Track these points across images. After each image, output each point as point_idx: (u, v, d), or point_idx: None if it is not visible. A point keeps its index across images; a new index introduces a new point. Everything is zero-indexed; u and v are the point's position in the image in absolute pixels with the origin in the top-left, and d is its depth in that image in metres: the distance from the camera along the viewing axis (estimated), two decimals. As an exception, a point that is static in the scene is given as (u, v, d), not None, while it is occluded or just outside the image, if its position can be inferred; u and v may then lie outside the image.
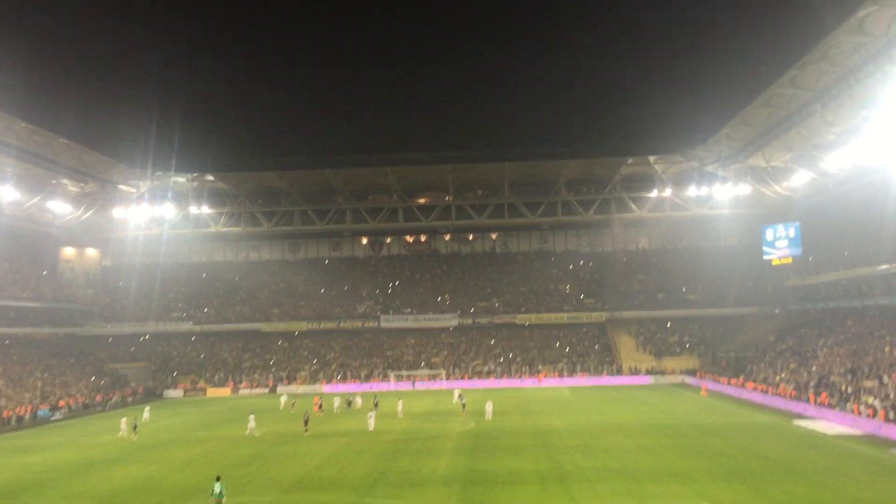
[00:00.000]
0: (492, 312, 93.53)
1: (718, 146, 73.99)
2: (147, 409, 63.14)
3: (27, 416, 62.35)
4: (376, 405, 58.32)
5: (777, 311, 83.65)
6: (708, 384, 73.16)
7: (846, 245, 71.29)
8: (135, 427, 50.62)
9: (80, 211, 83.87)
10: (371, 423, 49.45)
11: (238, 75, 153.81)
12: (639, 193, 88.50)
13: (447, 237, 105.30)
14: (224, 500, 26.78)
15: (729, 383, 69.85)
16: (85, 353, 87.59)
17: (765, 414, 52.78)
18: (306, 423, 49.42)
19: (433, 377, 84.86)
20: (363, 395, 68.92)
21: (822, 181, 69.91)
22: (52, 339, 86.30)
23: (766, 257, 78.41)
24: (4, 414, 61.03)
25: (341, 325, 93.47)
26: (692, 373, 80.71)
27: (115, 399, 76.25)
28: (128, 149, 77.90)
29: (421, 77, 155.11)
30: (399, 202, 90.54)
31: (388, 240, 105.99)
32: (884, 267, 61.50)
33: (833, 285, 71.73)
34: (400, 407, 56.80)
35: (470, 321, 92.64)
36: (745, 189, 79.36)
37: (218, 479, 27.35)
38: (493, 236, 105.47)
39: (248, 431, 48.91)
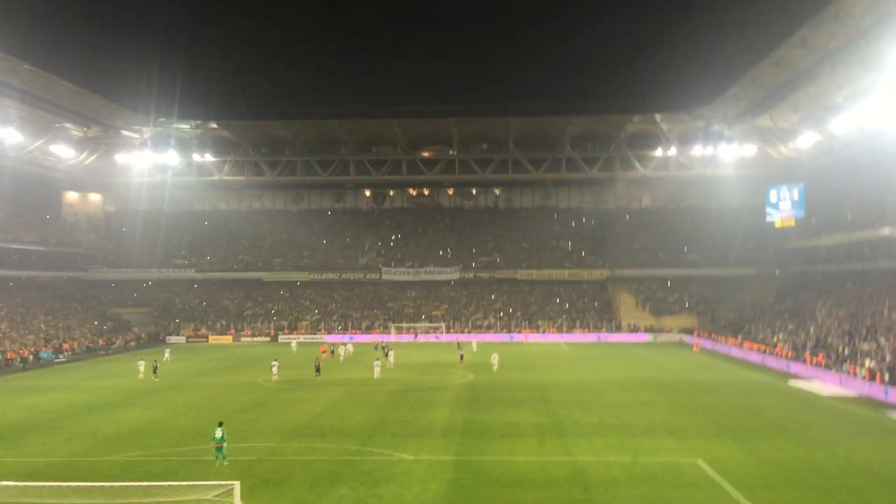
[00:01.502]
0: (493, 267, 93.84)
1: (725, 106, 73.43)
2: (168, 350, 65.50)
3: (31, 358, 63.04)
4: (387, 354, 59.13)
5: (777, 272, 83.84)
6: (706, 343, 73.96)
7: (850, 208, 71.14)
8: (155, 369, 51.78)
9: (84, 155, 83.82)
10: (377, 371, 50.82)
11: (243, 21, 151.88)
12: (643, 152, 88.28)
13: (450, 191, 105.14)
14: (225, 444, 27.17)
15: (727, 343, 70.41)
16: (88, 298, 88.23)
17: (761, 373, 53.33)
18: (318, 369, 50.89)
19: (434, 330, 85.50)
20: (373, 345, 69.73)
21: (829, 143, 69.63)
22: (55, 282, 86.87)
23: (768, 219, 78.18)
24: (9, 355, 61.74)
25: (343, 276, 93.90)
26: (690, 331, 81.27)
27: (118, 343, 77.06)
28: (131, 93, 77.35)
29: (428, 27, 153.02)
30: (403, 155, 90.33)
31: (392, 192, 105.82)
32: (886, 230, 61.36)
33: (835, 248, 71.77)
34: (391, 358, 57.27)
35: (471, 275, 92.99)
36: (750, 150, 79.03)
37: (220, 424, 27.69)
38: (497, 191, 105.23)
39: (273, 378, 49.71)
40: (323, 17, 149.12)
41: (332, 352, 64.43)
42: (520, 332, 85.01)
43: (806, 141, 71.35)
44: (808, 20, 51.88)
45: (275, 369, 50.48)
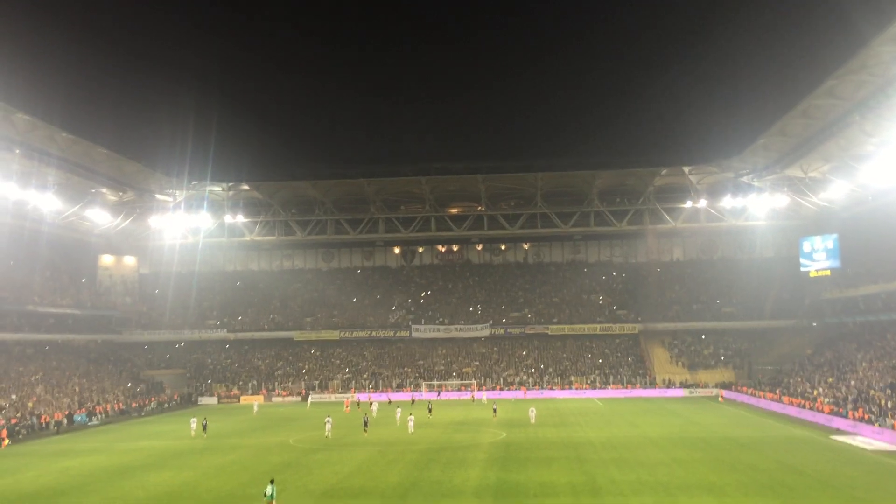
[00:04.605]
0: (524, 323, 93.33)
1: (754, 157, 73.16)
2: (256, 405, 72.94)
3: (65, 422, 63.35)
4: (430, 410, 63.71)
5: (815, 324, 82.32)
6: (744, 398, 72.61)
7: (886, 257, 70.09)
8: (204, 427, 53.74)
9: (119, 220, 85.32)
10: (410, 426, 52.36)
11: (273, 85, 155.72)
12: (673, 204, 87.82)
13: (479, 247, 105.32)
14: (275, 502, 27.97)
15: (766, 397, 68.88)
16: (122, 360, 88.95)
17: (801, 428, 51.92)
18: (366, 424, 52.92)
19: (464, 387, 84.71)
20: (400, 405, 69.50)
21: (861, 193, 68.89)
22: (90, 345, 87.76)
23: (803, 269, 77.41)
24: (43, 419, 62.11)
25: (373, 334, 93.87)
26: (727, 386, 79.74)
27: (151, 405, 77.24)
28: (165, 158, 79.18)
29: (455, 86, 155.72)
30: (431, 212, 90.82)
31: (421, 249, 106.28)
32: (925, 280, 60.36)
33: (872, 298, 70.50)
34: (398, 415, 57.98)
35: (502, 331, 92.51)
36: (781, 200, 78.32)
37: (271, 481, 28.74)
38: (526, 246, 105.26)
39: (326, 434, 50.72)
40: (352, 78, 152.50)
41: (358, 404, 71.33)
42: (517, 388, 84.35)
43: (838, 191, 70.70)
44: (835, 71, 51.90)
45: (328, 425, 51.43)
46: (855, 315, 74.30)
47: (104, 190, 78.23)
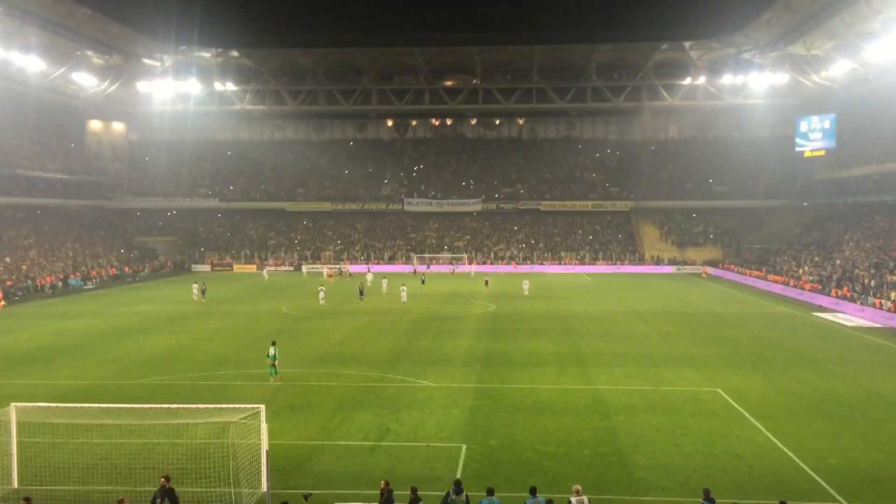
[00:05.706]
0: (516, 198, 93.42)
1: (757, 32, 71.23)
2: (266, 272, 76.31)
3: (60, 285, 64.11)
4: (423, 282, 66.08)
5: (805, 204, 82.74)
6: (731, 276, 73.93)
7: (882, 138, 69.64)
8: (203, 292, 55.81)
9: (106, 84, 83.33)
10: (403, 297, 53.68)
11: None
12: (671, 81, 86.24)
13: (473, 121, 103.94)
14: (277, 362, 28.75)
15: (751, 275, 70.04)
16: (114, 226, 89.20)
17: (785, 305, 53.08)
18: (361, 293, 54.80)
19: (455, 261, 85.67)
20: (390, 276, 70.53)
21: (863, 72, 67.60)
22: (81, 211, 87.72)
23: (798, 149, 76.94)
24: (38, 282, 62.85)
25: (365, 206, 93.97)
26: (714, 263, 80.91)
27: (145, 271, 78.08)
28: (151, 20, 76.31)
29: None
30: (426, 84, 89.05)
31: (414, 122, 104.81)
32: (919, 162, 60.25)
33: (864, 179, 70.59)
34: (384, 286, 60.13)
35: (494, 206, 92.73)
36: (782, 78, 76.92)
37: (273, 343, 29.31)
38: (520, 121, 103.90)
39: (320, 303, 52.40)
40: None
41: (340, 273, 74.65)
42: (507, 263, 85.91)
43: (839, 69, 69.39)
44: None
45: (322, 294, 53.35)
46: (846, 196, 74.58)
47: (89, 52, 75.95)
